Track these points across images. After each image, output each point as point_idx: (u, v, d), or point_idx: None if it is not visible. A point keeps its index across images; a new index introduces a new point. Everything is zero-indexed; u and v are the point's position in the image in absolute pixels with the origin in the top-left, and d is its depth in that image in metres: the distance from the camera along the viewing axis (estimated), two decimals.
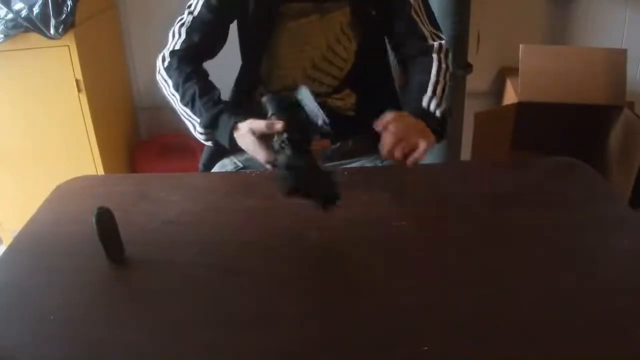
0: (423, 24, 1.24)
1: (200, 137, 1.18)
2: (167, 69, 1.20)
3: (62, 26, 1.91)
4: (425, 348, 0.70)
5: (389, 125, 1.02)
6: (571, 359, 0.69)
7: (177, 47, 1.21)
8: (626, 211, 1.01)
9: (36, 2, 1.89)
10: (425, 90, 1.15)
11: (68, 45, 1.98)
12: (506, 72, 2.42)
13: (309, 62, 1.24)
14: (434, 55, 1.21)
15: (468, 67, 2.16)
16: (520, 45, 2.11)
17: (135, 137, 2.60)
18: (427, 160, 1.51)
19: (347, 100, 1.29)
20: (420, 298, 0.79)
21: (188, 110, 1.16)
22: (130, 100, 2.57)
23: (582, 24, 2.43)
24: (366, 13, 1.22)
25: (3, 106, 2.08)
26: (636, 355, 0.69)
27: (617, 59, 2.07)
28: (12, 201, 2.20)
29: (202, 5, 1.21)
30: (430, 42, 1.23)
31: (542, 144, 2.29)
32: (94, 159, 2.18)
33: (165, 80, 1.20)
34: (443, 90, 1.17)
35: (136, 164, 2.46)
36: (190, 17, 1.22)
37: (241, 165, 1.28)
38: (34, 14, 1.88)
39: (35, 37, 1.93)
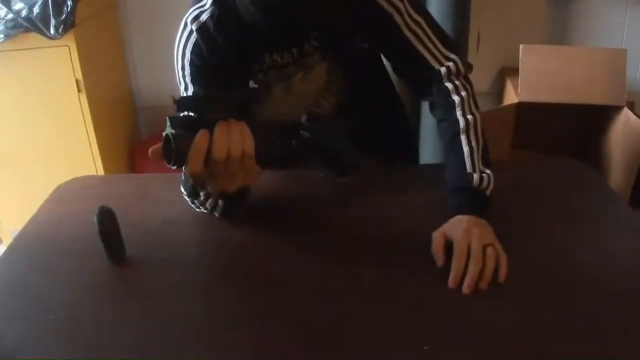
0: (421, 41, 1.03)
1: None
2: None
3: (62, 26, 1.91)
4: (425, 347, 0.70)
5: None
6: (571, 359, 0.69)
7: None
8: (626, 211, 1.01)
9: (36, 2, 1.89)
10: (465, 169, 0.96)
11: (68, 45, 1.98)
12: (506, 72, 2.42)
13: (302, 109, 1.10)
14: (455, 98, 1.04)
15: (468, 67, 2.16)
16: (520, 45, 2.11)
17: (135, 137, 2.60)
18: (429, 160, 1.53)
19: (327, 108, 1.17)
20: (420, 297, 0.79)
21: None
22: (130, 100, 2.57)
23: (582, 24, 2.43)
24: (347, 57, 1.09)
25: (3, 106, 2.08)
26: (636, 356, 0.69)
27: (617, 59, 2.08)
28: (12, 201, 2.20)
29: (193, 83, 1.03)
30: (437, 66, 1.05)
31: (542, 144, 2.29)
32: (94, 159, 2.18)
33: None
34: (482, 150, 1.01)
35: (136, 164, 2.46)
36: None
37: None
38: (34, 14, 1.88)
39: (35, 37, 1.93)
